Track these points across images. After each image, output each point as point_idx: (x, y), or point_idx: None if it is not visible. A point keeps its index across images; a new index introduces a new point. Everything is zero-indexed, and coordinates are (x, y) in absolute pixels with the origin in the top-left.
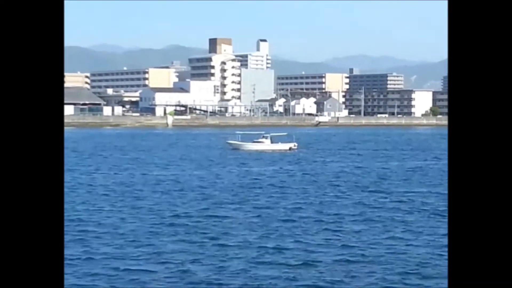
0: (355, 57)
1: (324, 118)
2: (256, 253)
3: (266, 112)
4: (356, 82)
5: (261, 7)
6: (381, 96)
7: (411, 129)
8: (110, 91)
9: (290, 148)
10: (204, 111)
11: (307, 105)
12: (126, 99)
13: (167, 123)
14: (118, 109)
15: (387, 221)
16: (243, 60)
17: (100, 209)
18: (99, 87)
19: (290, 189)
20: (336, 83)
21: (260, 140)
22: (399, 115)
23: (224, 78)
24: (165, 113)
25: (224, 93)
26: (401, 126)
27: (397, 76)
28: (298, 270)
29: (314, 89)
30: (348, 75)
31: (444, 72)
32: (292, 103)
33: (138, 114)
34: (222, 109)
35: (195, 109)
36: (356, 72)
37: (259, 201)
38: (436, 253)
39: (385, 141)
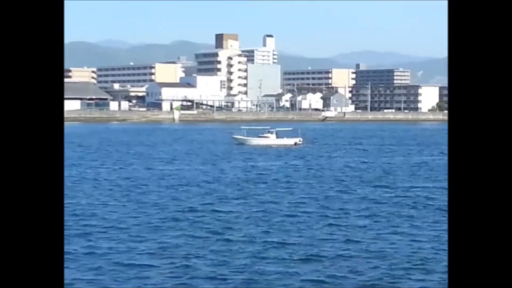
0: (361, 53)
1: (331, 113)
2: (260, 247)
3: (272, 107)
4: (362, 77)
5: (267, 2)
6: (388, 92)
7: (418, 124)
8: (116, 86)
9: (295, 143)
10: (210, 106)
11: (313, 100)
12: (132, 94)
13: (173, 118)
14: (125, 104)
15: (392, 216)
16: (249, 56)
17: (105, 203)
18: (106, 82)
19: (295, 184)
20: (342, 79)
21: (265, 135)
22: (405, 111)
23: (230, 73)
24: (171, 108)
25: (230, 88)
26: (408, 121)
27: (404, 72)
28: (302, 265)
29: (321, 84)
30: (354, 71)
31: None
32: (299, 98)
33: (144, 109)
34: (229, 104)
35: (202, 104)
36: (362, 67)
37: (263, 196)
38: (440, 248)
39: (391, 136)
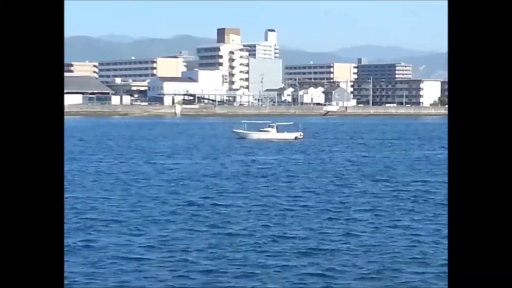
0: (363, 48)
1: (332, 107)
2: (260, 241)
3: (274, 102)
4: (364, 72)
5: None
6: (390, 86)
7: (420, 119)
8: (118, 80)
9: (296, 138)
10: (212, 100)
11: (315, 94)
12: (134, 88)
13: (175, 113)
14: (126, 98)
15: (393, 210)
16: (251, 50)
17: (105, 197)
18: (107, 76)
19: (295, 178)
20: (344, 73)
21: (266, 129)
22: (407, 105)
23: (232, 67)
24: (173, 103)
25: (232, 82)
26: (410, 116)
27: (405, 66)
28: (302, 258)
29: (322, 79)
30: (356, 65)
31: None
32: (300, 92)
33: (146, 104)
34: (231, 98)
35: (204, 98)
36: (364, 62)
37: (263, 190)
38: (440, 242)
39: (393, 130)
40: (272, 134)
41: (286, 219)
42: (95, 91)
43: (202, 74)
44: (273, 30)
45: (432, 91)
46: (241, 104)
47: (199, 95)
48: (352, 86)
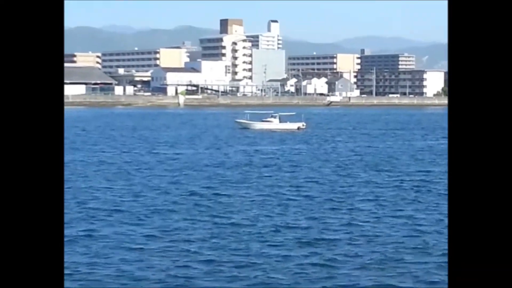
0: (366, 38)
1: (336, 98)
2: (262, 231)
3: (277, 92)
4: (367, 62)
5: None
6: (393, 77)
7: (423, 109)
8: (121, 71)
9: (298, 128)
10: (215, 91)
11: (318, 85)
12: (137, 79)
13: (178, 103)
14: (130, 89)
15: (396, 200)
16: (254, 41)
17: (108, 187)
18: (111, 67)
19: (298, 168)
20: (347, 64)
21: (268, 119)
22: (410, 96)
23: (235, 58)
24: (176, 93)
25: (235, 73)
26: (413, 106)
27: (409, 57)
28: (304, 248)
29: (326, 69)
30: (359, 56)
31: None
32: (304, 83)
33: (149, 94)
34: (234, 89)
35: (207, 88)
36: (367, 52)
37: (266, 180)
38: (442, 232)
39: (396, 121)
40: (274, 124)
41: (289, 209)
42: (98, 82)
43: (205, 64)
44: (276, 21)
45: (435, 81)
46: (244, 95)
47: (202, 86)
48: (355, 76)
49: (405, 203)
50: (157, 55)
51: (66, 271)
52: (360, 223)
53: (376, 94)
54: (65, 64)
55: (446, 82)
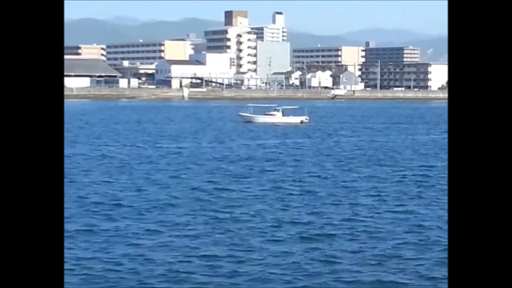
0: (370, 31)
1: (340, 91)
2: (263, 226)
3: (282, 85)
4: (372, 55)
5: None
6: (397, 70)
7: (428, 103)
8: (126, 63)
9: (301, 121)
10: (220, 83)
11: (323, 78)
12: (142, 71)
13: (183, 96)
14: (134, 82)
15: (398, 195)
16: (258, 33)
17: (111, 182)
18: (115, 59)
19: (300, 162)
20: (352, 57)
21: (271, 113)
22: (415, 89)
23: (240, 50)
24: (181, 86)
25: (240, 65)
26: (418, 99)
27: (413, 50)
28: (305, 243)
29: (330, 62)
30: (364, 49)
31: None
32: (308, 76)
33: (154, 87)
34: (238, 81)
35: (211, 81)
36: (372, 45)
37: (268, 174)
38: (445, 228)
39: (400, 114)
40: (277, 117)
41: (290, 204)
42: (103, 74)
43: (210, 57)
44: (280, 13)
45: (440, 75)
46: (248, 88)
47: (207, 78)
48: (360, 69)
49: (408, 198)
50: (162, 47)
51: (66, 266)
52: (362, 218)
53: (380, 88)
54: (70, 56)
55: None
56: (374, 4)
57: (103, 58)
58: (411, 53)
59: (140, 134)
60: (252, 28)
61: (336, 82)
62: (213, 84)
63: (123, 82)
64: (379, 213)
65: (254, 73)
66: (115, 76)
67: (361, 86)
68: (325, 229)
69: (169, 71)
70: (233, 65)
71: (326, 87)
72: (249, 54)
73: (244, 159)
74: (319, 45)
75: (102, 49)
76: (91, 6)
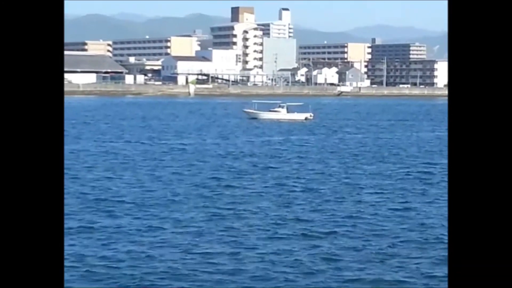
0: (377, 27)
1: (346, 88)
2: (267, 223)
3: (288, 82)
4: (378, 52)
5: None
6: (404, 67)
7: (434, 100)
8: (132, 59)
9: (306, 118)
10: (226, 80)
11: (329, 74)
12: (148, 67)
13: (189, 92)
14: (140, 78)
15: (403, 193)
16: (265, 29)
17: (114, 178)
18: (121, 55)
19: (303, 160)
20: (358, 53)
21: (276, 109)
22: (421, 86)
23: (246, 47)
24: (187, 82)
25: (246, 62)
26: (424, 96)
27: (420, 46)
28: (307, 241)
29: (336, 58)
30: (370, 45)
31: None
32: (314, 72)
33: (160, 83)
34: (244, 78)
35: (217, 78)
36: (378, 42)
37: (270, 171)
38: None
39: (406, 111)
40: (282, 114)
41: (293, 201)
42: (109, 70)
43: (216, 53)
44: (287, 9)
45: (446, 71)
46: (254, 84)
47: (213, 75)
48: (366, 66)
49: (412, 195)
50: (168, 44)
51: (67, 263)
52: (366, 216)
53: (386, 84)
54: (76, 53)
55: None
56: (381, 1)
57: (109, 54)
58: (417, 50)
59: (145, 130)
60: (258, 25)
61: (342, 78)
62: (219, 81)
63: (129, 78)
64: (383, 210)
65: (260, 70)
66: (121, 72)
67: (367, 83)
68: (328, 227)
69: (175, 67)
70: (239, 61)
71: (332, 84)
72: (255, 51)
73: (248, 155)
74: (325, 42)
75: (109, 45)
76: (96, 2)
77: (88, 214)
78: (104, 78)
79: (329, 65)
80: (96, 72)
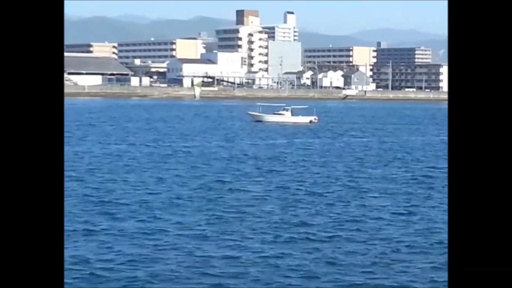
0: (382, 31)
1: (352, 91)
2: (270, 226)
3: (293, 85)
4: (383, 55)
5: None
6: (409, 70)
7: (439, 104)
8: (137, 61)
9: (310, 121)
10: (231, 83)
11: (334, 78)
12: (153, 70)
13: (194, 95)
14: (146, 80)
15: (408, 196)
16: (270, 32)
17: (119, 180)
18: (127, 57)
19: (307, 163)
20: (363, 57)
21: (280, 112)
22: (427, 90)
23: (251, 50)
24: (192, 84)
25: (251, 65)
26: (429, 100)
27: (425, 50)
28: (310, 244)
29: (342, 62)
30: (375, 49)
31: None
32: (320, 76)
33: (165, 85)
34: (249, 81)
35: (223, 80)
36: (383, 45)
37: (274, 174)
38: None
39: (411, 115)
40: (286, 117)
41: (297, 205)
42: (115, 72)
43: (221, 56)
44: (292, 13)
45: None
46: (260, 87)
47: (218, 77)
48: (371, 70)
49: (417, 200)
50: (173, 46)
51: (70, 266)
52: (369, 220)
53: (392, 88)
54: (82, 54)
55: None
56: (385, 4)
57: (115, 56)
58: (422, 54)
59: (150, 132)
60: (263, 28)
61: (347, 82)
62: (225, 83)
63: (134, 81)
64: (387, 214)
65: (266, 73)
66: (127, 75)
67: (372, 86)
68: (332, 231)
69: (181, 69)
70: (245, 64)
71: (337, 87)
72: (260, 54)
73: (252, 158)
74: (331, 45)
75: (114, 47)
76: (101, 3)
77: (92, 217)
78: (109, 80)
79: (335, 69)
80: (102, 74)
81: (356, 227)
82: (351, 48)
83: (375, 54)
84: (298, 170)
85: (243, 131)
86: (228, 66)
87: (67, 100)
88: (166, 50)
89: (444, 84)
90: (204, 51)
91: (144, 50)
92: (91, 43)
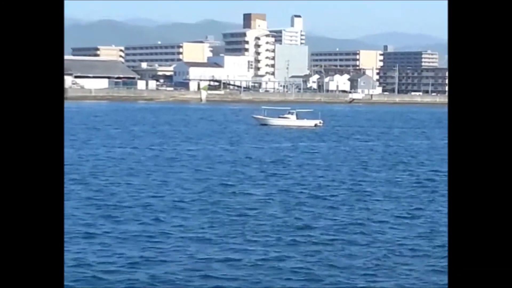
0: (389, 34)
1: (358, 95)
2: (274, 230)
3: (300, 88)
4: (390, 59)
5: None
6: (416, 74)
7: (446, 107)
8: (144, 65)
9: (315, 125)
10: (238, 86)
11: (341, 82)
12: (160, 73)
13: (201, 98)
14: (152, 83)
15: (413, 199)
16: (277, 36)
17: (124, 183)
18: (133, 61)
19: (312, 166)
20: (370, 60)
21: (285, 115)
22: (433, 94)
23: (258, 53)
24: (198, 88)
25: (258, 68)
26: (436, 104)
27: (432, 54)
28: (311, 247)
29: (348, 66)
30: (382, 52)
31: None
32: (326, 79)
33: (172, 89)
34: (256, 84)
35: (229, 84)
36: (390, 49)
37: (278, 178)
38: None
39: (417, 119)
40: (291, 121)
41: (300, 208)
42: (121, 76)
43: (228, 59)
44: (299, 16)
45: None
46: (266, 91)
47: (225, 81)
48: (378, 73)
49: (422, 203)
50: (180, 50)
51: (72, 268)
52: (373, 223)
53: (398, 92)
54: (89, 58)
55: None
56: (392, 8)
57: (122, 59)
58: (429, 58)
59: (155, 136)
60: (270, 31)
61: (354, 86)
62: (231, 87)
63: (141, 84)
64: (391, 217)
65: (272, 76)
66: (133, 78)
67: (379, 90)
68: (336, 234)
69: (187, 73)
70: (251, 68)
71: (344, 91)
72: (267, 57)
73: (257, 161)
74: (337, 49)
75: (121, 50)
76: (108, 7)
77: (95, 219)
78: (116, 83)
79: (341, 72)
80: (108, 78)
81: (359, 230)
82: (357, 52)
83: (381, 57)
84: (302, 173)
85: (248, 135)
86: (235, 69)
87: (73, 103)
88: (173, 53)
89: None
90: (211, 54)
91: (151, 54)
92: (98, 47)
